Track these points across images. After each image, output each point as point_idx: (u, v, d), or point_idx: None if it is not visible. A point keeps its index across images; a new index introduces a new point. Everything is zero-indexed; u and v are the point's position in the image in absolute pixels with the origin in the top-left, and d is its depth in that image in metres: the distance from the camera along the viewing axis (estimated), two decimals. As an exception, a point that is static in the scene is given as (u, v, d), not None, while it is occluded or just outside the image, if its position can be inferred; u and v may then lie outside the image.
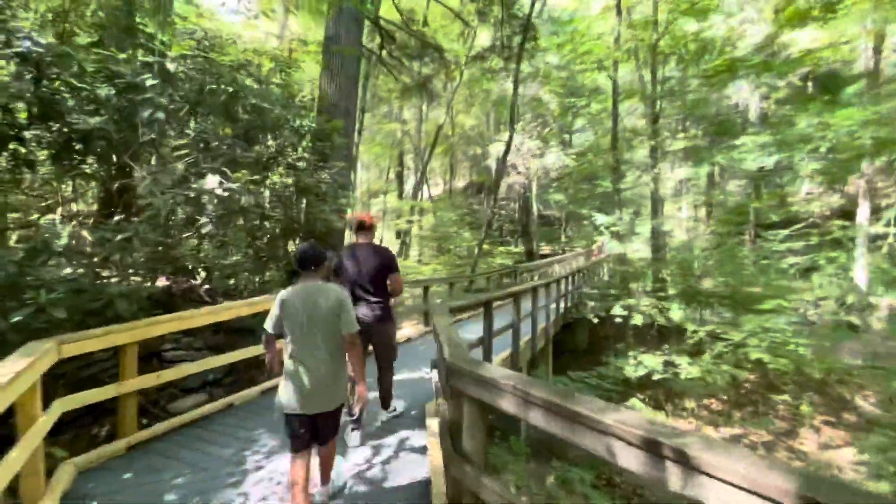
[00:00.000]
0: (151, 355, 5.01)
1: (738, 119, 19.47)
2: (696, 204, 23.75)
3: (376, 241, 4.11)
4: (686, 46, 14.36)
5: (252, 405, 4.70)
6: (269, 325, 2.75)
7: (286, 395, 2.66)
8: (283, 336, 2.75)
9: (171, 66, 4.08)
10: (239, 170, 4.03)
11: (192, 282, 6.39)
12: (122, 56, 4.05)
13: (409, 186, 31.21)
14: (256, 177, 5.11)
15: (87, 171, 4.97)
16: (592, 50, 12.10)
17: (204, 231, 4.03)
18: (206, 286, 6.53)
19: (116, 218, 3.93)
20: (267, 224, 6.61)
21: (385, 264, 3.84)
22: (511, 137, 12.97)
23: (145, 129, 3.73)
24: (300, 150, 6.87)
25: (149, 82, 3.80)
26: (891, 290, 17.76)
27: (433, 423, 3.92)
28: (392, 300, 4.01)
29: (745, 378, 9.25)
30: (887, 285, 17.67)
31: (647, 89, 15.03)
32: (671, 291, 11.33)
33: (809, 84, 21.75)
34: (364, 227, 3.91)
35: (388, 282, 3.89)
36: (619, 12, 13.04)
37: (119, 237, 3.61)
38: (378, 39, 11.29)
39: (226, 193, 3.65)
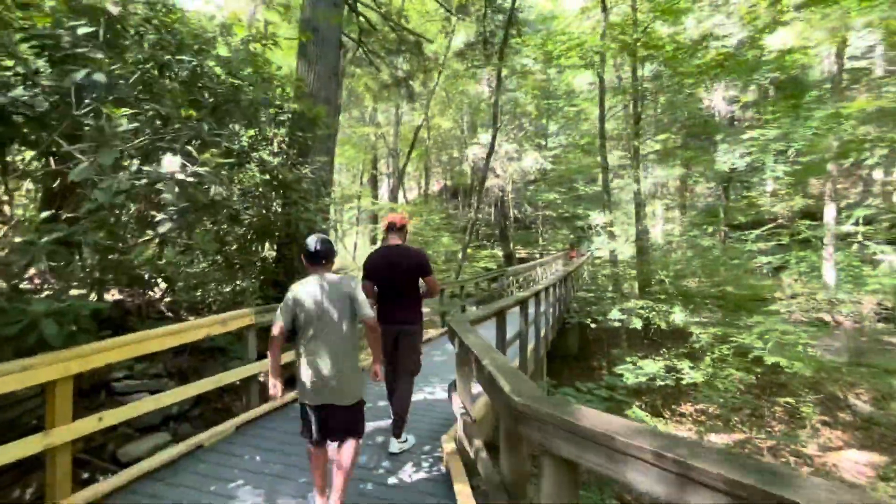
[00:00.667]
0: (99, 386, 4.03)
1: (711, 122, 19.51)
2: (670, 206, 23.84)
3: (385, 243, 3.81)
4: (664, 48, 14.15)
5: (226, 444, 3.77)
6: (278, 323, 2.66)
7: (301, 385, 2.68)
8: (294, 332, 2.71)
9: (112, 8, 3.13)
10: (207, 150, 3.12)
11: (152, 294, 5.39)
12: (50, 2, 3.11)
13: (382, 191, 30.28)
14: (231, 160, 4.21)
15: (18, 163, 3.99)
16: (578, 44, 11.64)
17: (162, 231, 3.11)
18: (168, 299, 5.54)
19: (44, 215, 2.98)
20: (238, 227, 5.68)
21: (418, 266, 3.67)
22: (495, 135, 12.35)
23: (84, 97, 2.80)
24: (277, 141, 5.97)
25: (82, 30, 2.88)
26: (859, 288, 18.03)
27: (460, 480, 2.98)
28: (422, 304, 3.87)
29: (749, 381, 8.85)
30: (856, 283, 17.93)
31: (626, 90, 14.77)
32: (664, 293, 10.95)
33: (771, 89, 22.14)
34: (396, 229, 3.74)
35: (420, 284, 3.76)
36: (604, 8, 12.64)
37: (45, 240, 2.67)
38: (356, 31, 10.48)
39: (190, 180, 2.75)
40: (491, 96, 20.17)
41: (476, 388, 3.29)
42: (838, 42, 17.90)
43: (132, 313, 4.79)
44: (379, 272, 3.67)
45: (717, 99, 20.52)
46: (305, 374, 2.64)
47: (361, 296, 2.72)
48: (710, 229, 20.35)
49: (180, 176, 2.70)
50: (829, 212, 18.71)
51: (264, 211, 5.74)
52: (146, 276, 4.19)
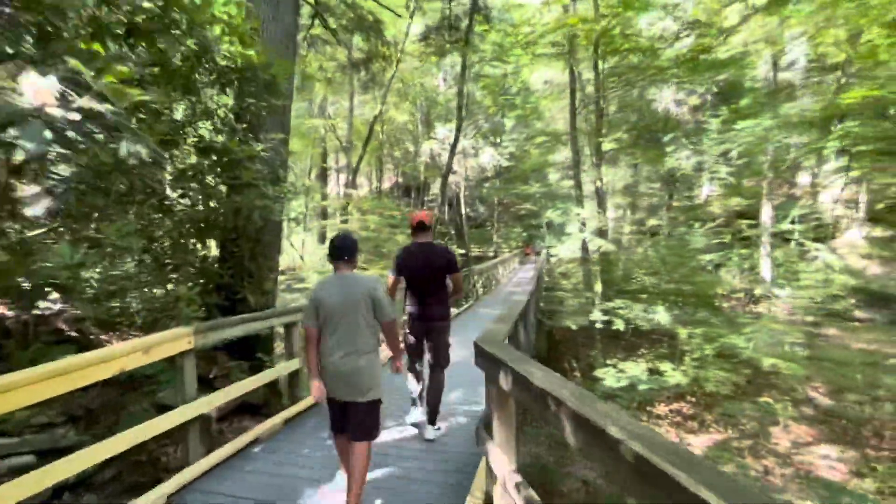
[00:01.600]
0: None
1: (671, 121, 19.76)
2: (621, 205, 24.06)
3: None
4: (624, 46, 13.91)
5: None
6: (309, 325, 2.66)
7: (326, 382, 2.66)
8: (319, 329, 2.65)
9: None
10: (111, 72, 1.87)
11: (48, 307, 3.96)
12: None
13: (331, 187, 28.50)
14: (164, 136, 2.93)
15: None
16: (554, 28, 10.98)
17: (34, 213, 1.87)
18: (73, 313, 4.11)
19: None
20: (169, 218, 4.34)
21: (448, 263, 3.70)
22: (460, 126, 11.45)
23: None
24: (221, 113, 4.67)
25: None
26: (792, 283, 18.84)
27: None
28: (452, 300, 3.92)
29: (732, 381, 8.53)
30: (790, 279, 18.72)
31: (586, 88, 14.42)
32: (629, 291, 10.56)
33: (708, 95, 22.88)
34: (425, 226, 3.75)
35: (447, 281, 3.77)
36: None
37: None
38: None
39: (77, 118, 1.52)
40: (448, 89, 19.30)
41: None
42: (776, 50, 18.64)
43: (14, 334, 3.38)
44: (412, 268, 3.67)
45: (665, 100, 20.87)
46: (328, 369, 2.62)
47: (383, 295, 2.67)
48: (654, 222, 20.73)
49: (56, 111, 1.48)
50: (766, 212, 19.43)
51: (204, 198, 4.45)
52: (26, 284, 2.84)
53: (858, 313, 18.68)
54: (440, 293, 3.74)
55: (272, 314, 4.26)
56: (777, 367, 7.48)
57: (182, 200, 4.35)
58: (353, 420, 2.63)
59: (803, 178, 24.20)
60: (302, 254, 23.47)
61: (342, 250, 2.67)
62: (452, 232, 24.04)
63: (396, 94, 18.33)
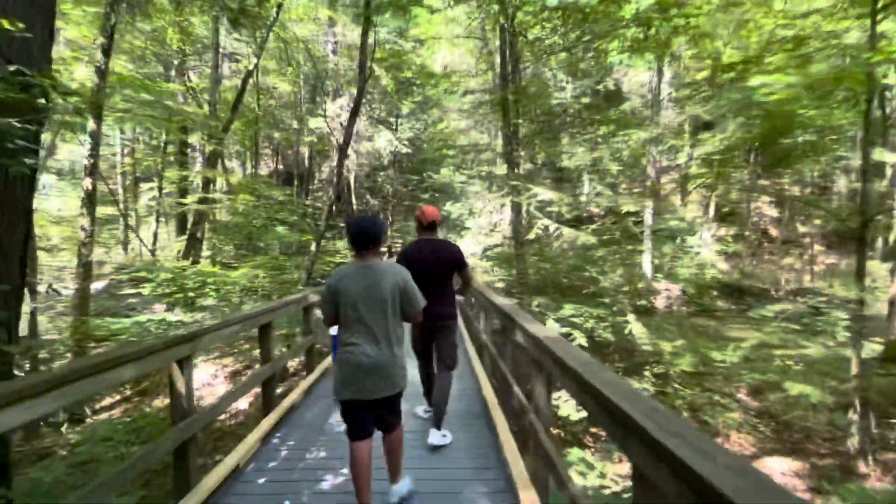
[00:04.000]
0: None
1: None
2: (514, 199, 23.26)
3: None
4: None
5: None
6: (325, 316, 2.49)
7: (342, 381, 2.41)
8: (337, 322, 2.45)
9: None
10: None
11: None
12: None
13: (196, 170, 23.29)
14: None
15: None
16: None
17: None
18: None
19: None
20: None
21: (456, 259, 3.65)
22: (362, 88, 8.86)
23: None
24: None
25: None
26: (668, 277, 19.59)
27: None
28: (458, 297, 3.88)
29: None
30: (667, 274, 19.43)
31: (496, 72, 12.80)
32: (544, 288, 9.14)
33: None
34: (431, 223, 3.65)
35: (455, 277, 3.70)
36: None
37: None
38: None
39: None
40: (340, 59, 16.36)
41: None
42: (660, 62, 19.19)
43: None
44: (420, 264, 3.48)
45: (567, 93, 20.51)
46: (349, 368, 2.38)
47: (413, 285, 2.50)
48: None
49: None
50: (648, 210, 19.97)
51: None
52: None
53: (720, 304, 20.17)
54: (447, 291, 3.65)
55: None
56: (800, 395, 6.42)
57: None
58: (386, 412, 2.49)
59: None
60: (153, 247, 18.51)
61: (368, 238, 2.41)
62: (342, 225, 21.12)
63: (276, 57, 14.81)
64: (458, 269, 3.65)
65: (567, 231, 10.41)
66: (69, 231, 15.80)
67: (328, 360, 5.62)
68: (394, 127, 19.32)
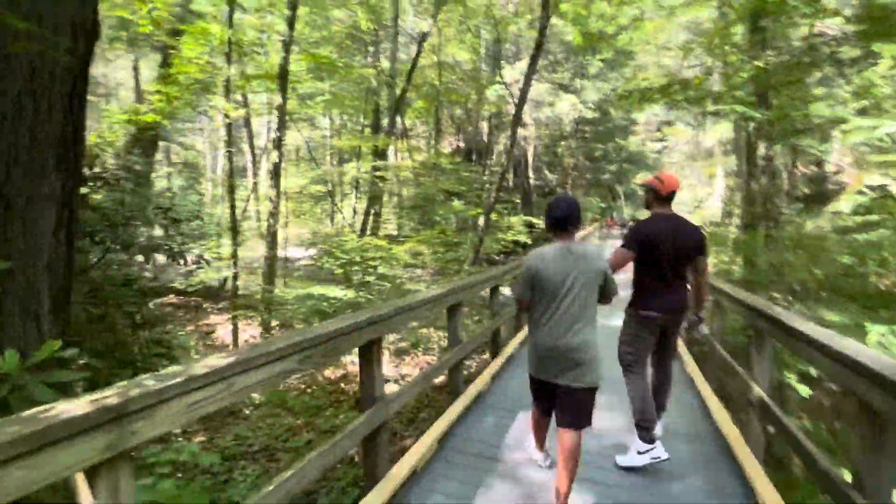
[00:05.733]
0: None
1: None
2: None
3: None
4: None
5: None
6: (521, 293, 2.39)
7: (532, 358, 2.39)
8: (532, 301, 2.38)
9: None
10: None
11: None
12: None
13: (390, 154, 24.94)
14: None
15: None
16: None
17: None
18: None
19: None
20: None
21: (698, 243, 2.90)
22: (540, 45, 7.21)
23: None
24: None
25: None
26: None
27: None
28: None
29: None
30: None
31: None
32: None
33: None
34: (670, 195, 2.94)
35: (691, 265, 2.94)
36: None
37: None
38: None
39: None
40: (517, 20, 14.77)
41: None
42: None
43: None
44: (659, 245, 2.83)
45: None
46: (539, 349, 2.32)
47: (611, 273, 2.36)
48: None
49: None
50: None
51: None
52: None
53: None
54: (684, 279, 2.98)
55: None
56: None
57: None
58: (566, 403, 2.29)
59: None
60: (351, 221, 20.39)
61: (569, 219, 2.30)
62: (517, 200, 19.92)
63: (455, 25, 14.02)
64: (699, 255, 2.93)
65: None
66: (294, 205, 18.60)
67: (512, 347, 5.33)
68: (577, 89, 16.95)
